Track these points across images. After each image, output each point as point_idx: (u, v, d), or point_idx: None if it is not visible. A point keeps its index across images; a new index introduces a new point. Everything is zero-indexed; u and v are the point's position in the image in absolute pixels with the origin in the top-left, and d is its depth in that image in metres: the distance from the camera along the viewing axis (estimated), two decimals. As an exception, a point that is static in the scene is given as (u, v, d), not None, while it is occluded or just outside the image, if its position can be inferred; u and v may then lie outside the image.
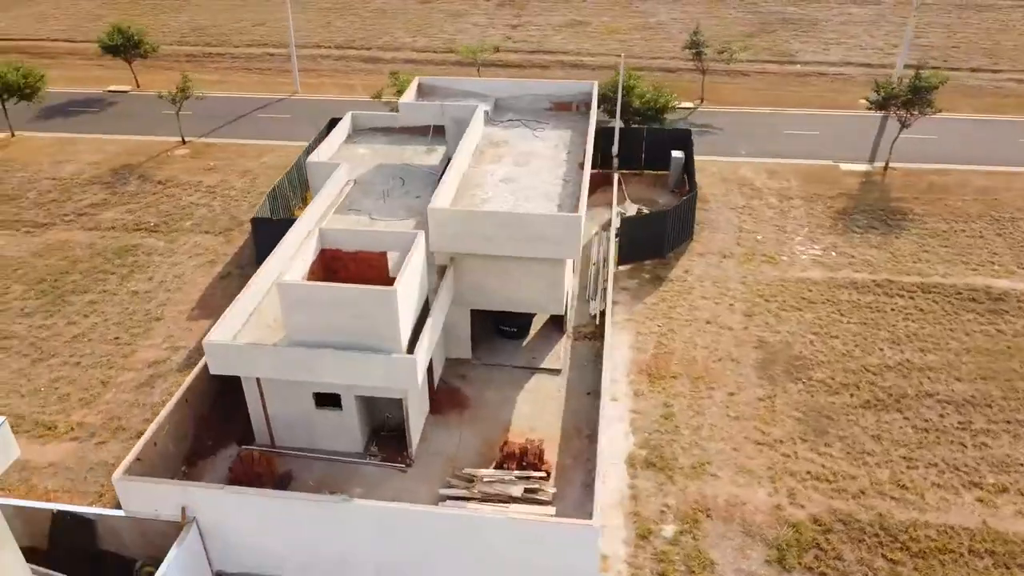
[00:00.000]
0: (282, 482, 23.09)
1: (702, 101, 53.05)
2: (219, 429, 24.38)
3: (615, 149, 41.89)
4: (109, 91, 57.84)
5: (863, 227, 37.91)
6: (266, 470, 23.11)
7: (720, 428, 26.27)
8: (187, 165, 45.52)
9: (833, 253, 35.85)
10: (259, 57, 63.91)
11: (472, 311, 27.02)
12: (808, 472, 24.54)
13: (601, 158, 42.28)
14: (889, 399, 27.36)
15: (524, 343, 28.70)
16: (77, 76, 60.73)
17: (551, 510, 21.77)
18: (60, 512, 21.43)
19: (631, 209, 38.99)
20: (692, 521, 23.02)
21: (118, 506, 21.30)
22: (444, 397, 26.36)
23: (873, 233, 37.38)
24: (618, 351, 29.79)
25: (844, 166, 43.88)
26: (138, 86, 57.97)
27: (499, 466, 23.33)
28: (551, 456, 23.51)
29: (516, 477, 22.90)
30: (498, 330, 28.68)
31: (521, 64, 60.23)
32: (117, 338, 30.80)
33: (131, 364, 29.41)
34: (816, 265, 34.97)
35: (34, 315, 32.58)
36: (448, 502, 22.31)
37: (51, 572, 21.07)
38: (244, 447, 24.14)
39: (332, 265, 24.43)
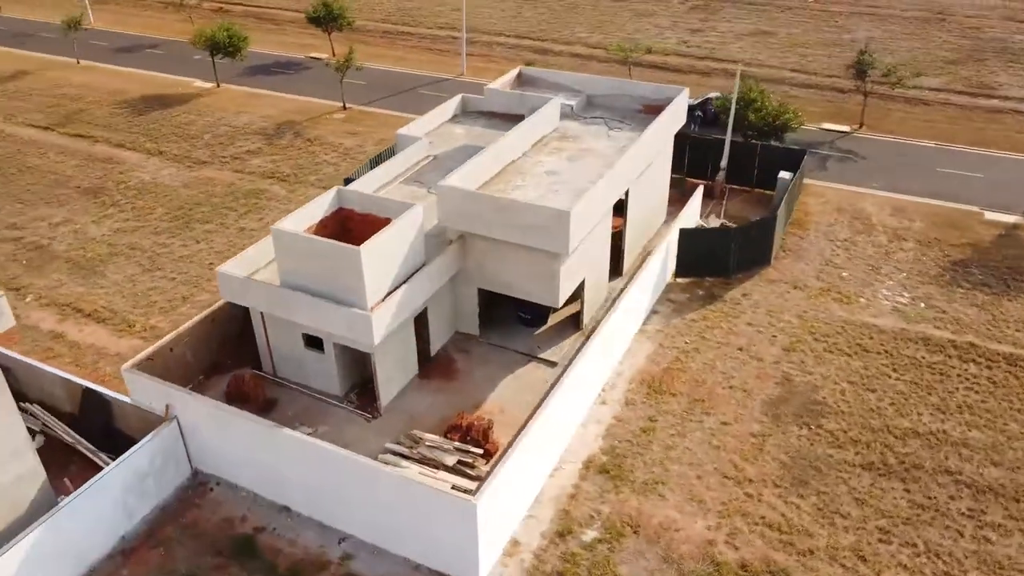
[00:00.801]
0: (267, 406, 26.08)
1: (861, 126, 48.91)
2: (240, 353, 27.87)
3: (724, 162, 40.48)
4: (309, 57, 65.24)
5: (973, 283, 33.50)
6: (255, 393, 26.15)
7: (693, 453, 25.27)
8: (337, 128, 50.57)
9: (921, 305, 32.18)
10: (442, 39, 68.40)
11: (497, 295, 28.28)
12: (762, 517, 22.99)
13: (711, 169, 41.13)
14: (898, 466, 24.59)
15: (538, 331, 29.44)
16: (289, 41, 69.04)
17: (472, 485, 22.71)
18: (88, 389, 26.04)
19: (714, 223, 37.62)
20: (616, 533, 22.64)
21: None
22: (437, 365, 27.99)
23: (983, 291, 32.95)
24: (631, 359, 29.42)
25: (989, 215, 38.70)
26: (333, 55, 64.76)
27: (445, 435, 24.66)
28: (503, 439, 24.32)
29: (455, 448, 24.09)
30: (517, 316, 29.67)
31: (680, 68, 59.07)
32: (211, 264, 35.72)
33: (211, 287, 34.09)
34: (893, 313, 31.67)
35: (161, 234, 38.65)
36: (388, 455, 24.06)
37: (70, 431, 25.88)
38: (252, 372, 27.50)
39: (345, 224, 26.82)
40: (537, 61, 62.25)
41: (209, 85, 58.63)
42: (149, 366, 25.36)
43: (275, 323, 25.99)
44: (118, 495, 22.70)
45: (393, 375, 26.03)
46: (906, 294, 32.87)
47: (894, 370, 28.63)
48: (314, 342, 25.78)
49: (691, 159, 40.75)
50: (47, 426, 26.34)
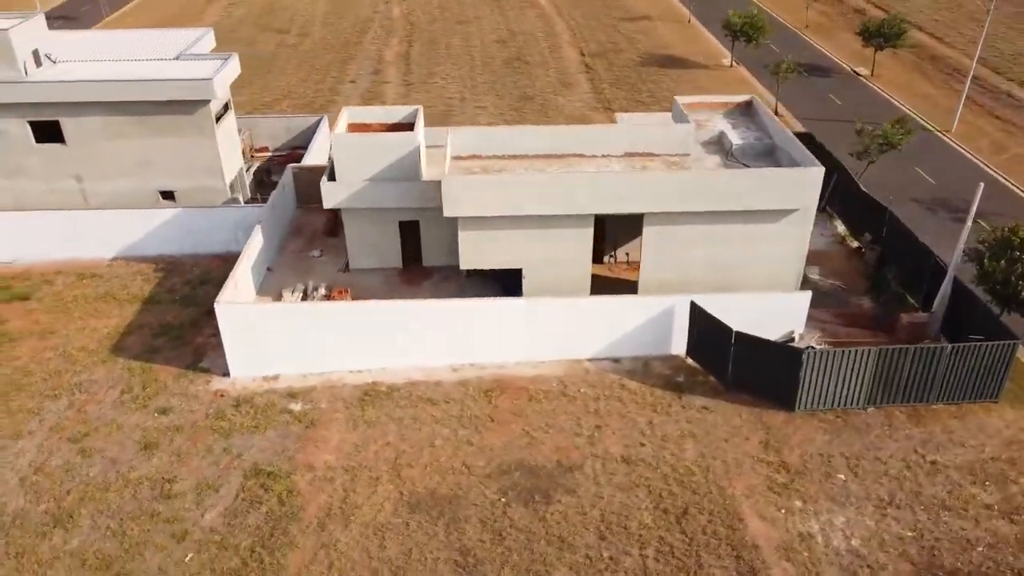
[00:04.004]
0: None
1: None
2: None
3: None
4: (854, 71, 61.46)
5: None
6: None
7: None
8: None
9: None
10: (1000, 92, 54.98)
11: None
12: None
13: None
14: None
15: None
16: (839, 48, 65.08)
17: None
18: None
19: (813, 273, 29.23)
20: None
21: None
22: (417, 272, 32.83)
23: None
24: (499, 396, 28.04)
25: None
26: (872, 73, 59.73)
27: (327, 297, 30.60)
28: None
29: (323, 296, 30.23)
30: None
31: None
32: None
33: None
34: None
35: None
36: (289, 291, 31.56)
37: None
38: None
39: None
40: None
41: (726, 62, 62.62)
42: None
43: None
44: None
45: (364, 251, 32.40)
46: None
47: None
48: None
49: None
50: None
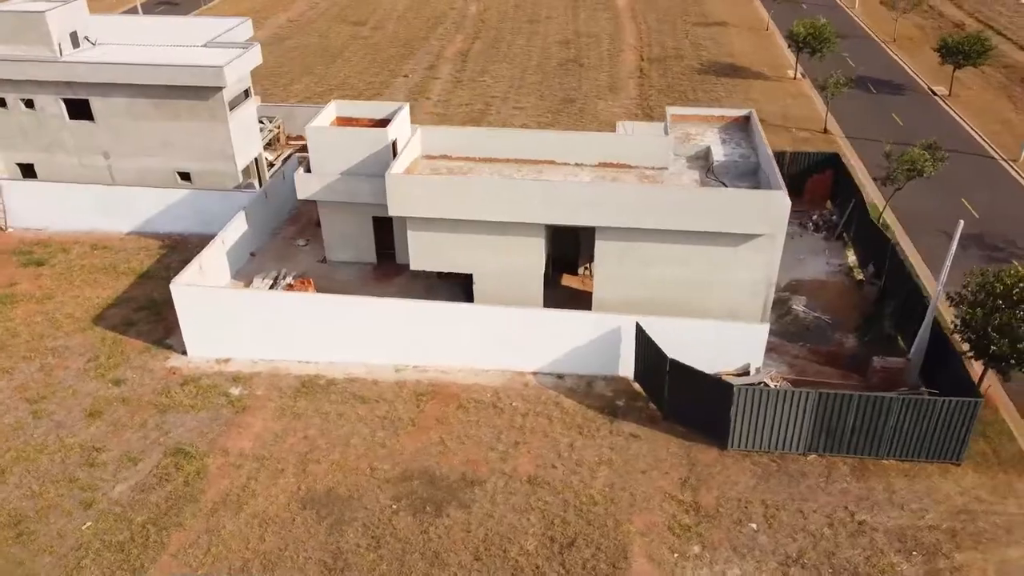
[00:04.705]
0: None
1: None
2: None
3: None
4: (931, 89, 56.71)
5: None
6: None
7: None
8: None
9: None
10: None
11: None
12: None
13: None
14: None
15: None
16: (922, 64, 59.99)
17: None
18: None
19: (797, 304, 26.37)
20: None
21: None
22: (391, 269, 32.77)
23: None
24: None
25: None
26: (949, 92, 54.93)
27: (290, 287, 30.95)
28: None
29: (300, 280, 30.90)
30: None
31: None
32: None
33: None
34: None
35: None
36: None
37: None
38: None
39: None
40: None
41: (791, 74, 59.20)
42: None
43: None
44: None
45: (339, 244, 32.63)
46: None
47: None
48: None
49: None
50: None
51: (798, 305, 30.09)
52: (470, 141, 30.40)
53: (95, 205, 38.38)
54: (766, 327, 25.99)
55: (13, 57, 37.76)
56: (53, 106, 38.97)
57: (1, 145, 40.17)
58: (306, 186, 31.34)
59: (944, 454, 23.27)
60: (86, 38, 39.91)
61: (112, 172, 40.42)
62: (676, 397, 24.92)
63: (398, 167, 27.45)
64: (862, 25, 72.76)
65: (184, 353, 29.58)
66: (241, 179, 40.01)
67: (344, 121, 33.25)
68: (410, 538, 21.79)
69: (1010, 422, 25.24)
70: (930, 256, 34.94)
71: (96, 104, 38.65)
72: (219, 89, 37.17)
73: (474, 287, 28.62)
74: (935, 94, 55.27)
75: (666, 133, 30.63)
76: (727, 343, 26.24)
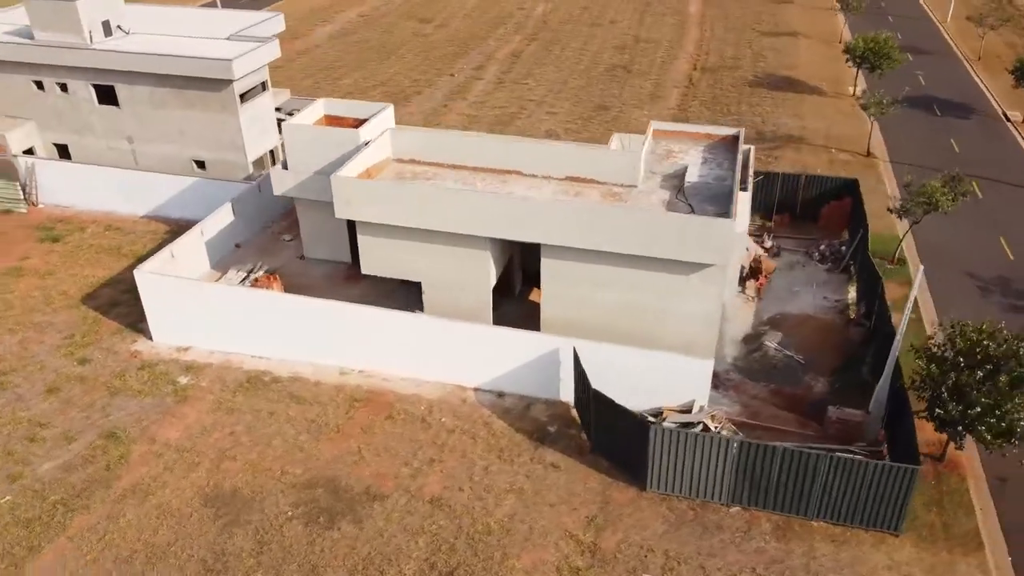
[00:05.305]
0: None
1: None
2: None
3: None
4: (1005, 114, 51.75)
5: None
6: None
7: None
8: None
9: None
10: None
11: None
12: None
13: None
14: None
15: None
16: (1003, 86, 54.62)
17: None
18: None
19: (771, 340, 24.21)
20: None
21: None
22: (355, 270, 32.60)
23: None
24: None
25: None
26: (1027, 119, 50.06)
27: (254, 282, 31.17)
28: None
29: (254, 280, 31.16)
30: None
31: None
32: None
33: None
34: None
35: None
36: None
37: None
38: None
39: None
40: None
41: (849, 89, 55.40)
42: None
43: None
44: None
45: (316, 242, 32.71)
46: None
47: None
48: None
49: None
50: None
51: (771, 341, 27.97)
52: (442, 145, 29.79)
53: (115, 187, 40.08)
54: (710, 363, 24.19)
55: (48, 43, 39.99)
56: (84, 91, 40.92)
57: (40, 125, 42.70)
58: (282, 182, 31.58)
59: (881, 522, 20.98)
60: (119, 27, 41.68)
61: (136, 156, 42.10)
62: (601, 430, 23.59)
63: (351, 169, 27.14)
64: (948, 41, 67.46)
65: (151, 338, 30.45)
66: (252, 170, 40.93)
67: (332, 120, 33.30)
68: (294, 547, 21.49)
69: (974, 494, 22.57)
70: (943, 298, 31.87)
71: (121, 91, 40.30)
72: (230, 81, 38.09)
73: (423, 296, 28.05)
74: (1008, 120, 50.57)
75: (658, 149, 29.11)
76: (671, 377, 24.61)
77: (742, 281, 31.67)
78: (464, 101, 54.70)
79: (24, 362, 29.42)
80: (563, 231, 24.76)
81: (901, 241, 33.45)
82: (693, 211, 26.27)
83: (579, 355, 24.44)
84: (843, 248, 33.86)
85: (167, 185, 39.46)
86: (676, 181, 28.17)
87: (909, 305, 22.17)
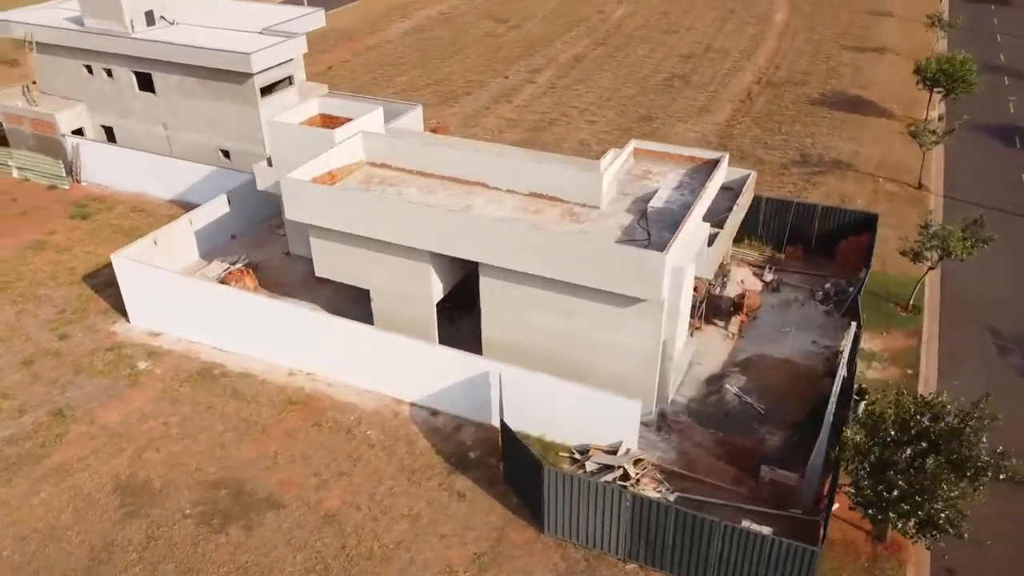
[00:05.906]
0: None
1: None
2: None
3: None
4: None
5: None
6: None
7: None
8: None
9: None
10: None
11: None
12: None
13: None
14: None
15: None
16: None
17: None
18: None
19: (732, 384, 22.40)
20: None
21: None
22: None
23: None
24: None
25: None
26: None
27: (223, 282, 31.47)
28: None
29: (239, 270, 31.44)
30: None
31: None
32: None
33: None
34: None
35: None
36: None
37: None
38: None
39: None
40: None
41: (923, 113, 50.66)
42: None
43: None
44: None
45: (299, 239, 32.87)
46: None
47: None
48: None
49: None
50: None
51: (732, 385, 25.79)
52: (415, 152, 29.19)
53: (147, 171, 41.88)
54: (637, 404, 22.49)
55: (95, 30, 42.13)
56: (126, 77, 42.88)
57: (89, 107, 45.13)
58: (264, 178, 31.89)
59: (783, 604, 18.89)
60: (162, 17, 43.42)
61: (169, 143, 43.80)
62: (510, 464, 22.40)
63: (305, 171, 26.96)
64: (1059, 64, 61.01)
65: (129, 321, 31.47)
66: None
67: (326, 119, 33.33)
68: (178, 547, 21.52)
69: (910, 584, 19.95)
70: (952, 354, 28.54)
71: (157, 79, 41.97)
72: (250, 75, 38.90)
73: (372, 305, 27.58)
74: (1102, 157, 45.02)
75: (614, 168, 27.44)
76: (599, 414, 23.13)
77: (726, 316, 29.51)
78: (508, 105, 53.86)
79: (14, 333, 31.02)
80: (495, 251, 23.63)
81: (916, 287, 30.20)
82: (650, 238, 24.59)
83: (505, 381, 23.35)
84: (850, 288, 30.96)
85: (191, 172, 40.86)
86: (643, 205, 26.47)
87: (843, 358, 19.80)
